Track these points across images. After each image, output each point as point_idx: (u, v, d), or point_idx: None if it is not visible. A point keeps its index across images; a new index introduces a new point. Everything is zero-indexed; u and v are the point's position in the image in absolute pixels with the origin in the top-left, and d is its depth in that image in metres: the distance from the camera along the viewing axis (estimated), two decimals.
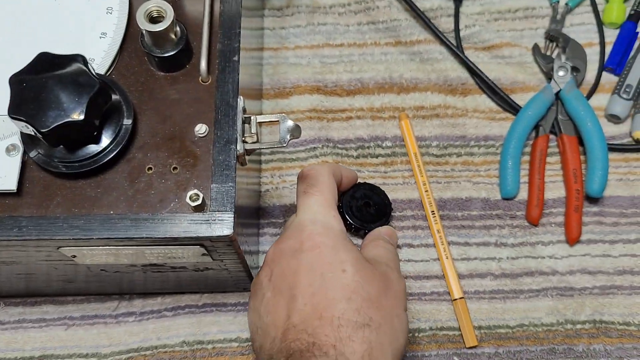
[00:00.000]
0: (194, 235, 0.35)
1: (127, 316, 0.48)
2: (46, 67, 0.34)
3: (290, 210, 0.52)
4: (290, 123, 0.38)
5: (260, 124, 0.38)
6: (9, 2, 0.41)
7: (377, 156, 0.54)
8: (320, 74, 0.56)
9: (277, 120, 0.38)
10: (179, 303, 0.48)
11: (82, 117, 0.33)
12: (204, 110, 0.38)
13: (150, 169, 0.37)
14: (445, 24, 0.58)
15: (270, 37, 0.58)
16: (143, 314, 0.48)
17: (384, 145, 0.54)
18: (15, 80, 0.33)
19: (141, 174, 0.37)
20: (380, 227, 0.47)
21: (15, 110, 0.33)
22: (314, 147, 0.53)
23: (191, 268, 0.41)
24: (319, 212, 0.40)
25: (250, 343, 0.46)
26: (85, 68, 0.34)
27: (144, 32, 0.37)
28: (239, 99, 0.37)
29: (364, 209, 0.50)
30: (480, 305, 0.49)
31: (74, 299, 0.49)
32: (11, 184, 0.35)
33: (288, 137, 0.38)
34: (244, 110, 0.38)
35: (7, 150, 0.36)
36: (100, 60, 0.39)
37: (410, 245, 0.51)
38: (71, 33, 0.40)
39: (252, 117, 0.37)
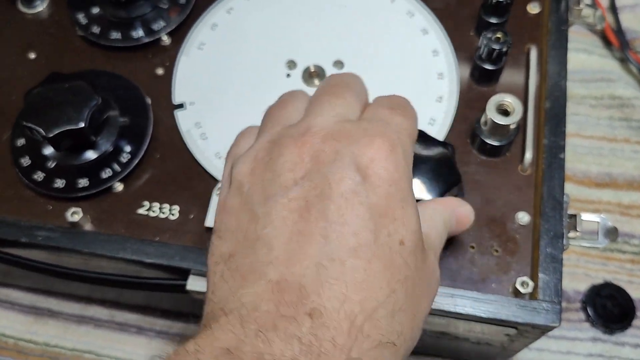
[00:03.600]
0: (521, 321, 0.37)
1: None
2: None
3: None
4: (609, 225, 0.40)
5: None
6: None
7: (624, 252, 0.54)
8: (570, 162, 0.58)
9: (597, 221, 0.40)
10: None
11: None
12: (524, 199, 0.41)
13: (472, 247, 0.40)
14: None
15: None
16: None
17: (631, 242, 0.55)
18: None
19: (465, 250, 0.39)
20: (453, 200, 0.36)
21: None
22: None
23: (474, 341, 0.43)
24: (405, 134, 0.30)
25: None
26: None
27: (482, 125, 0.40)
28: (565, 196, 0.39)
29: (607, 307, 0.51)
30: None
31: None
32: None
33: (607, 240, 0.39)
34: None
35: None
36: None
37: None
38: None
39: (577, 215, 0.39)
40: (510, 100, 0.39)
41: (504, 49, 0.41)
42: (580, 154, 0.58)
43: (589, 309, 0.51)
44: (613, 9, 0.64)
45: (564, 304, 0.52)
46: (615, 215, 0.56)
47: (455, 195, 0.38)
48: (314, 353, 0.23)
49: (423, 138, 0.37)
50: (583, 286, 0.53)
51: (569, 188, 0.56)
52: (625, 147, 0.58)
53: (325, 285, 0.24)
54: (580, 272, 0.53)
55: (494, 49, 0.41)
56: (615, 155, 0.58)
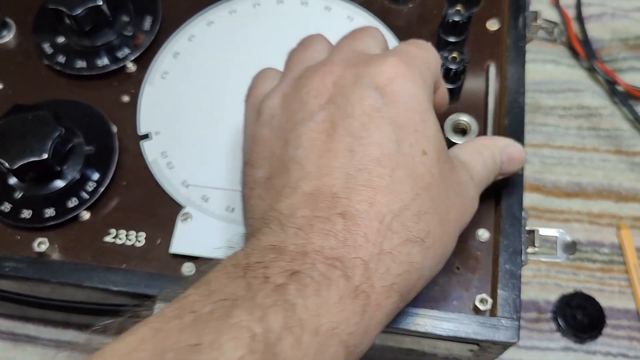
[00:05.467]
0: (481, 338, 0.37)
1: None
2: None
3: None
4: (567, 239, 0.40)
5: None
6: None
7: (594, 261, 0.55)
8: (539, 172, 0.59)
9: (556, 235, 0.40)
10: None
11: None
12: (483, 216, 0.41)
13: None
14: None
15: None
16: None
17: (601, 251, 0.55)
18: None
19: None
20: (502, 139, 0.38)
21: None
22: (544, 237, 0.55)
23: (442, 356, 0.44)
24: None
25: None
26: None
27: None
28: (523, 212, 0.40)
29: (577, 317, 0.51)
30: None
31: None
32: None
33: (565, 255, 0.40)
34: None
35: None
36: None
37: (626, 356, 0.52)
38: None
39: (535, 231, 0.40)
40: (466, 120, 0.40)
41: (460, 69, 0.41)
42: (550, 164, 0.59)
43: (559, 320, 0.52)
44: (579, 18, 0.64)
45: (535, 315, 0.53)
46: (585, 224, 0.56)
47: None
48: (349, 247, 0.25)
49: None
50: (554, 296, 0.53)
51: (539, 199, 0.57)
52: (594, 156, 0.59)
53: (354, 191, 0.27)
54: (551, 282, 0.54)
55: (451, 69, 0.41)
56: (585, 165, 0.59)
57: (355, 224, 0.26)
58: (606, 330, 0.52)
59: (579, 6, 0.65)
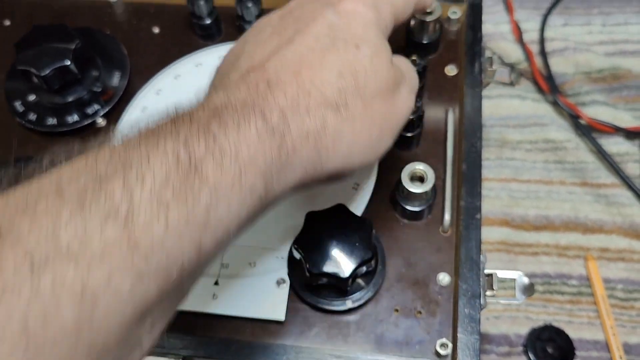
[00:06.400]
0: None
1: None
2: None
3: None
4: (525, 281, 0.41)
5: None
6: None
7: (562, 293, 0.56)
8: (508, 207, 0.60)
9: (514, 278, 0.41)
10: None
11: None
12: (445, 260, 0.42)
13: (397, 310, 0.41)
14: (632, 170, 0.60)
15: None
16: None
17: (569, 283, 0.56)
18: None
19: (389, 315, 0.41)
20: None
21: None
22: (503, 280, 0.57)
23: None
24: None
25: None
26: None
27: (401, 192, 0.42)
28: (482, 256, 0.41)
29: (547, 350, 0.52)
30: None
31: None
32: (281, 315, 0.40)
33: (524, 297, 0.41)
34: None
35: (277, 282, 0.41)
36: (352, 208, 0.44)
37: None
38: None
39: (493, 274, 0.41)
40: (422, 168, 0.41)
41: (416, 118, 0.43)
42: (518, 198, 0.60)
43: (530, 353, 0.53)
44: (543, 53, 0.66)
45: (507, 349, 0.54)
46: (554, 257, 0.58)
47: (373, 269, 0.40)
48: (268, 100, 0.29)
49: (343, 213, 0.39)
50: (524, 330, 0.54)
51: (508, 233, 0.58)
52: (560, 189, 0.61)
53: (284, 67, 0.31)
54: (522, 316, 0.55)
55: (409, 118, 0.43)
56: (552, 198, 0.60)
57: (277, 86, 0.30)
58: None
59: (542, 41, 0.67)
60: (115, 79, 0.50)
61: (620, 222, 0.58)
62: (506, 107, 0.64)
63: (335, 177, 0.32)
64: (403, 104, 0.34)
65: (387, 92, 0.33)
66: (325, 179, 0.32)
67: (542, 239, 0.58)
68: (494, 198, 0.60)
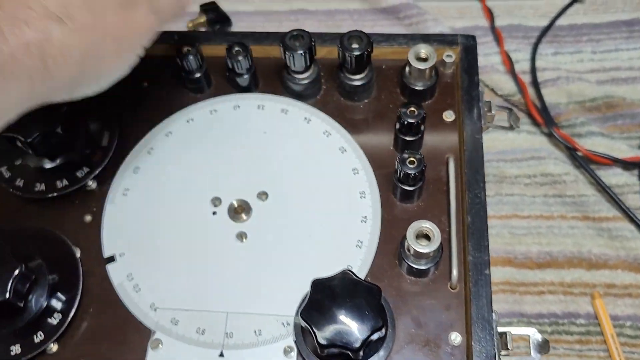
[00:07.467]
0: None
1: None
2: None
3: None
4: (539, 338, 0.40)
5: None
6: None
7: (571, 334, 0.55)
8: (509, 244, 0.59)
9: (528, 335, 0.40)
10: None
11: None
12: (455, 318, 0.41)
13: None
14: (632, 201, 0.60)
15: None
16: None
17: (577, 322, 0.55)
18: None
19: None
20: None
21: None
22: (509, 322, 0.55)
23: None
24: None
25: None
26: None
27: (406, 250, 0.41)
28: (493, 314, 0.40)
29: None
30: None
31: None
32: None
33: (539, 355, 0.40)
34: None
35: (285, 351, 0.40)
36: (357, 267, 0.43)
37: None
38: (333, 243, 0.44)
39: (507, 333, 0.40)
40: (428, 226, 0.40)
41: (417, 173, 0.42)
42: (519, 235, 0.59)
43: None
44: (535, 84, 0.66)
45: None
46: (559, 295, 0.56)
47: (385, 335, 0.38)
48: None
49: (349, 280, 0.38)
50: None
51: (511, 272, 0.57)
52: (562, 223, 0.60)
53: None
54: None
55: (409, 174, 0.42)
56: (554, 233, 0.59)
57: None
58: None
59: (533, 71, 0.66)
60: (105, 140, 0.48)
61: (624, 255, 0.57)
62: (502, 140, 0.63)
63: (76, 86, 0.35)
64: (141, 21, 0.37)
65: (119, 7, 0.35)
66: (63, 86, 0.34)
67: (546, 276, 0.57)
68: (496, 236, 0.59)
